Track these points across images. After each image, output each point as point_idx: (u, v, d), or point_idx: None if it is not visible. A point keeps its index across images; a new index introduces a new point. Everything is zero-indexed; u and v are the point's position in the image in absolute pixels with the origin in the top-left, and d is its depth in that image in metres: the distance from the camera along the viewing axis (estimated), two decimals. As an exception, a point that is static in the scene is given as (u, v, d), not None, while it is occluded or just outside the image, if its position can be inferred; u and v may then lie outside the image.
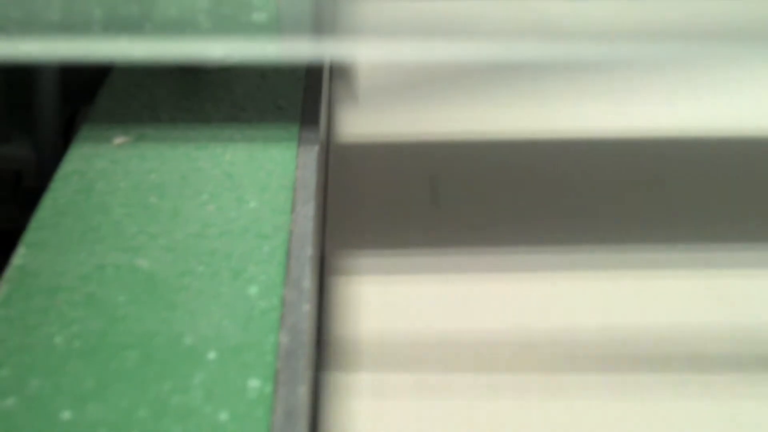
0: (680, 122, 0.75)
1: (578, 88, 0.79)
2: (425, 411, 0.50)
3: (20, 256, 0.48)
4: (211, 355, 0.43)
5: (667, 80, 0.81)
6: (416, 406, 0.51)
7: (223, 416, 0.39)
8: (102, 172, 0.56)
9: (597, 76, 0.80)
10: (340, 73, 0.79)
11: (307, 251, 0.49)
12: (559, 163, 0.71)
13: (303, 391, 0.41)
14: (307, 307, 0.46)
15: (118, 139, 0.59)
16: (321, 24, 0.53)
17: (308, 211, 0.52)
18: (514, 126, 0.75)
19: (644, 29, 0.53)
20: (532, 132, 0.74)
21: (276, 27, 0.54)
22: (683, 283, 0.60)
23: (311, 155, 0.58)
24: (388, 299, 0.58)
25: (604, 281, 0.60)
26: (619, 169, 0.71)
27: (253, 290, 0.47)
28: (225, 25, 0.54)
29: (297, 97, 0.64)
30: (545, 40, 0.53)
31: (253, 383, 0.41)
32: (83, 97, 0.70)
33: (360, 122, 0.74)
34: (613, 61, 0.78)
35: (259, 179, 0.55)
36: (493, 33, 0.53)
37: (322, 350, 0.53)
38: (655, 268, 0.61)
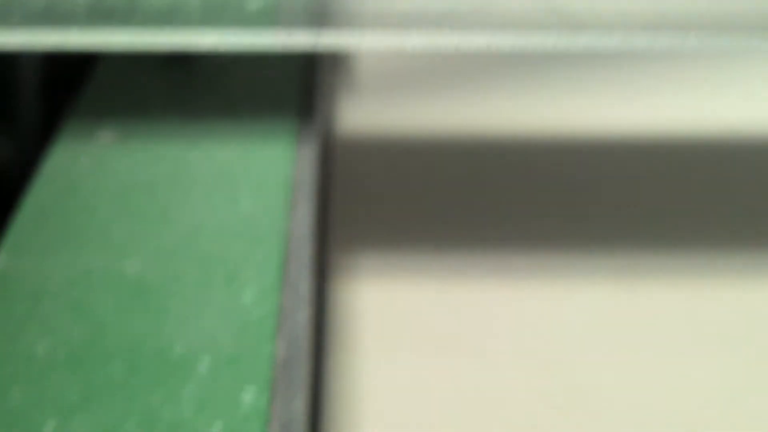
0: (694, 119, 0.75)
1: (590, 81, 0.80)
2: (432, 421, 0.50)
3: (0, 260, 0.47)
4: (203, 365, 0.41)
5: (672, 75, 0.81)
6: (420, 409, 0.51)
7: (216, 429, 0.38)
8: (87, 171, 0.55)
9: (610, 68, 0.81)
10: (340, 64, 0.79)
11: (305, 254, 0.49)
12: (568, 160, 0.72)
13: (300, 403, 0.40)
14: (306, 314, 0.45)
15: (105, 136, 0.58)
16: (320, 13, 0.53)
17: (307, 211, 0.52)
18: (524, 119, 0.75)
19: (658, 20, 0.53)
20: (542, 126, 0.74)
21: (273, 16, 0.53)
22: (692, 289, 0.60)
23: (310, 152, 0.57)
24: (392, 303, 0.58)
25: (614, 286, 0.60)
26: (633, 167, 0.71)
27: (247, 296, 0.46)
28: (218, 14, 0.54)
29: (295, 91, 0.63)
30: (554, 31, 0.52)
31: (248, 395, 0.40)
32: (67, 90, 0.70)
33: (361, 116, 0.75)
34: (625, 53, 0.79)
35: (254, 178, 0.54)
36: (498, 23, 0.53)
37: (322, 359, 0.53)
38: (667, 274, 0.61)
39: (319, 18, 0.53)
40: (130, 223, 0.50)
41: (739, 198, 0.68)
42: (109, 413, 0.39)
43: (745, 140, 0.74)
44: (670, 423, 0.50)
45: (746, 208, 0.67)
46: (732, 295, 0.59)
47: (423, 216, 0.65)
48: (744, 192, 0.69)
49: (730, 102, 0.78)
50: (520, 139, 0.73)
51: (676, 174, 0.70)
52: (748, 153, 0.73)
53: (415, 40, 0.52)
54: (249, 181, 0.54)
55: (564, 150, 0.72)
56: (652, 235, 0.64)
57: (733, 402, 0.52)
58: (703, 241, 0.63)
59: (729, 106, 0.78)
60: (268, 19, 0.53)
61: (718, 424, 0.50)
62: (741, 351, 0.55)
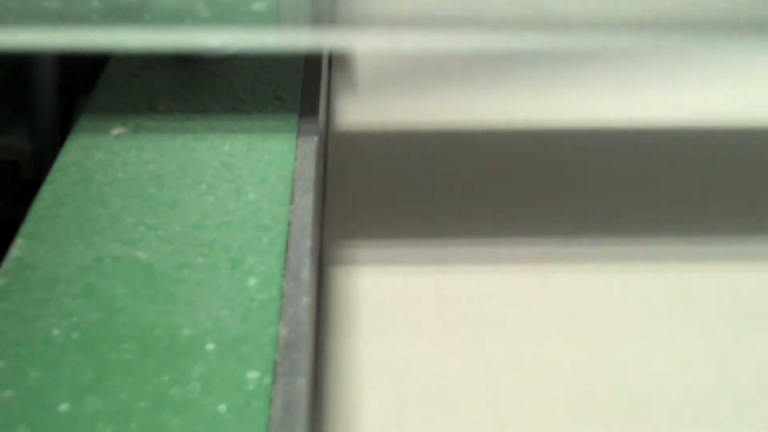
0: (683, 113, 0.75)
1: (581, 78, 0.79)
2: (427, 402, 0.51)
3: (18, 247, 0.48)
4: (210, 347, 0.43)
5: (670, 70, 0.81)
6: (417, 397, 0.51)
7: (222, 408, 0.39)
8: (100, 164, 0.55)
9: (599, 65, 0.80)
10: (339, 62, 0.79)
11: (306, 242, 0.49)
12: (561, 153, 0.71)
13: (302, 383, 0.41)
14: (306, 299, 0.45)
15: (116, 130, 0.58)
16: (320, 14, 0.53)
17: (307, 202, 0.52)
18: (515, 115, 0.74)
19: (647, 18, 0.53)
20: (533, 121, 0.74)
21: (275, 17, 0.53)
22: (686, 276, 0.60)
23: (310, 146, 0.57)
24: (388, 290, 0.58)
25: (604, 274, 0.60)
26: (622, 159, 0.71)
27: (252, 282, 0.46)
28: (224, 15, 0.53)
29: (296, 88, 0.64)
30: (547, 30, 0.53)
31: (252, 375, 0.41)
32: (81, 87, 0.70)
33: (359, 112, 0.74)
34: (615, 50, 0.78)
35: (258, 170, 0.55)
36: (494, 22, 0.53)
37: (322, 341, 0.53)
38: (659, 261, 0.61)
39: (321, 18, 0.53)
40: (141, 213, 0.51)
41: (734, 188, 0.68)
42: (120, 393, 0.40)
43: (739, 132, 0.73)
44: (664, 404, 0.51)
45: (741, 198, 0.67)
46: (726, 281, 0.59)
47: (416, 206, 0.65)
48: (738, 182, 0.69)
49: (725, 95, 0.78)
50: (513, 134, 0.73)
51: (671, 166, 0.70)
52: (742, 144, 0.73)
53: (413, 40, 0.52)
54: (253, 173, 0.55)
55: (557, 143, 0.72)
56: (645, 224, 0.64)
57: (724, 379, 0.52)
58: (695, 229, 0.63)
59: (724, 99, 0.77)
60: (272, 20, 0.54)
61: (713, 405, 0.51)
62: (736, 335, 0.56)
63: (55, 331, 0.43)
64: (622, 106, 0.76)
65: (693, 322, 0.56)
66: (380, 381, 0.52)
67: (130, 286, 0.46)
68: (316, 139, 0.58)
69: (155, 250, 0.48)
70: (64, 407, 0.39)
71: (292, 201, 0.52)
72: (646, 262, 0.61)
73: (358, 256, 0.60)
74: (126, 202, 0.52)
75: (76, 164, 0.55)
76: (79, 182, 0.54)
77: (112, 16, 0.52)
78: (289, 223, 0.51)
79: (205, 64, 0.66)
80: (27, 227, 0.50)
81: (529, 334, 0.55)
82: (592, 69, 0.80)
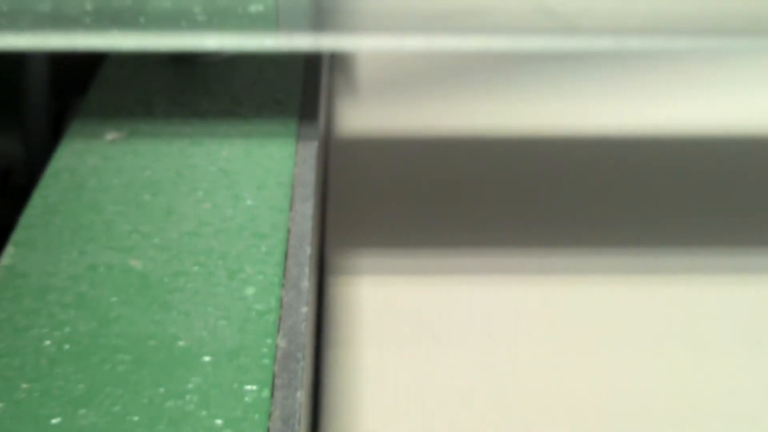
0: (683, 119, 0.76)
1: (581, 84, 0.80)
2: (428, 413, 0.51)
3: (9, 255, 0.48)
4: (207, 358, 0.42)
5: (671, 75, 0.81)
6: (418, 408, 0.51)
7: (219, 422, 0.39)
8: (93, 169, 0.55)
9: (601, 71, 0.81)
10: (339, 66, 0.79)
11: (305, 251, 0.49)
12: (562, 160, 0.72)
13: (301, 396, 0.40)
14: (306, 309, 0.45)
15: (111, 135, 0.58)
16: (320, 16, 0.53)
17: (307, 209, 0.52)
18: (517, 121, 0.75)
19: (649, 23, 0.53)
20: (534, 127, 0.74)
21: (274, 19, 0.53)
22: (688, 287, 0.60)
23: (310, 151, 0.57)
24: (389, 298, 0.58)
25: (606, 284, 0.60)
26: (624, 166, 0.71)
27: (249, 291, 0.46)
28: (221, 17, 0.53)
29: (295, 92, 0.63)
30: (548, 34, 0.53)
31: (250, 387, 0.41)
32: (74, 91, 0.70)
33: (360, 116, 0.75)
34: (618, 55, 0.79)
35: (256, 176, 0.55)
36: (495, 25, 0.53)
37: (322, 352, 0.53)
38: (660, 272, 0.61)
39: (319, 20, 0.53)
40: (136, 220, 0.51)
41: (737, 196, 0.68)
42: (114, 406, 0.39)
43: (744, 139, 0.74)
44: (664, 417, 0.51)
45: (745, 207, 0.67)
46: (728, 291, 0.60)
47: (418, 214, 0.65)
48: (743, 190, 0.69)
49: (729, 101, 0.78)
50: (513, 140, 0.73)
51: (673, 173, 0.70)
52: (747, 151, 0.73)
53: (412, 42, 0.53)
54: (251, 179, 0.54)
55: (559, 149, 0.73)
56: (647, 233, 0.64)
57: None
58: (698, 239, 0.64)
59: (727, 105, 0.78)
60: (271, 22, 0.54)
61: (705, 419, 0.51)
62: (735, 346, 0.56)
63: (47, 342, 0.42)
64: (624, 114, 0.76)
65: (695, 334, 0.57)
66: (381, 393, 0.52)
67: (124, 295, 0.45)
68: (316, 143, 0.58)
69: (150, 259, 0.48)
70: (55, 421, 0.39)
71: (291, 208, 0.52)
72: (648, 274, 0.61)
73: (359, 264, 0.60)
74: (120, 209, 0.52)
75: (68, 170, 0.55)
76: (72, 189, 0.53)
77: (105, 18, 0.52)
78: (289, 231, 0.50)
79: (203, 66, 0.66)
80: (18, 235, 0.49)
81: (530, 345, 0.55)
82: (596, 72, 0.81)
